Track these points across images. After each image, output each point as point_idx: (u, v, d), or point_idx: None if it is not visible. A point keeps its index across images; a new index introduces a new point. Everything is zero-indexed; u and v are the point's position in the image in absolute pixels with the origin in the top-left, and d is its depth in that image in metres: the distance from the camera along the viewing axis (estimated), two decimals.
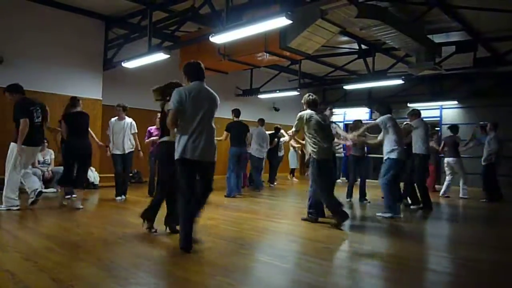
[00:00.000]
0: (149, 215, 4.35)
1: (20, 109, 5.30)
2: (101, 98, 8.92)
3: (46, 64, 8.02)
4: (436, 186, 9.91)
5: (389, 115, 6.03)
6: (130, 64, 7.97)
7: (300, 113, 5.31)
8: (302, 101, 5.47)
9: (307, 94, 5.50)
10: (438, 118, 12.73)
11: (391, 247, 4.24)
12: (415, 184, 6.92)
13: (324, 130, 5.25)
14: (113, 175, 6.94)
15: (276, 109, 14.18)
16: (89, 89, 8.54)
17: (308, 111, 5.28)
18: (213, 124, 3.82)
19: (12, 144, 5.37)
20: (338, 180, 10.86)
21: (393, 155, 5.84)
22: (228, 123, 8.11)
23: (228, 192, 7.75)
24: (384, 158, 5.99)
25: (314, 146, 5.16)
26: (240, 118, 8.12)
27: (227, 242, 4.06)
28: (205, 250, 3.68)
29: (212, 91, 3.83)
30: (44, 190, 6.41)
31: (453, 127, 9.08)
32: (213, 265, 3.25)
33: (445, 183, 9.11)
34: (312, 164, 5.19)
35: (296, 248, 4.15)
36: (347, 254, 4.04)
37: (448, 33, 8.13)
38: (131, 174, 9.87)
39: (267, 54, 7.76)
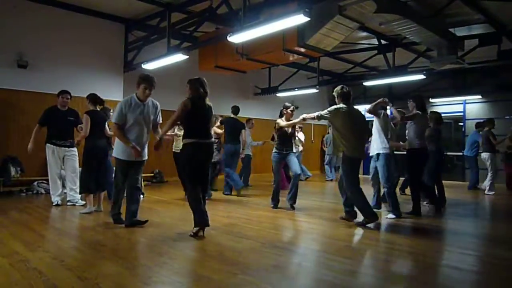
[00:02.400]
0: None
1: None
2: (122, 100, 9.06)
3: (69, 67, 8.21)
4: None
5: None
6: (149, 66, 8.08)
7: (333, 106, 5.09)
8: (334, 93, 5.18)
9: (339, 86, 5.16)
10: (462, 113, 12.45)
11: (414, 246, 4.17)
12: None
13: (356, 125, 5.04)
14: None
15: (295, 107, 14.08)
16: (110, 91, 8.69)
17: (341, 105, 5.04)
18: None
19: None
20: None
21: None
22: (224, 118, 8.04)
23: (237, 187, 7.64)
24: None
25: (344, 142, 5.03)
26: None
27: (248, 240, 4.08)
28: (226, 248, 3.71)
29: None
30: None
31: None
32: (235, 263, 3.27)
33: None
34: (344, 161, 5.11)
35: (317, 246, 4.13)
36: (369, 253, 3.99)
37: (471, 26, 7.91)
38: (152, 174, 10.04)
39: (285, 53, 7.73)
